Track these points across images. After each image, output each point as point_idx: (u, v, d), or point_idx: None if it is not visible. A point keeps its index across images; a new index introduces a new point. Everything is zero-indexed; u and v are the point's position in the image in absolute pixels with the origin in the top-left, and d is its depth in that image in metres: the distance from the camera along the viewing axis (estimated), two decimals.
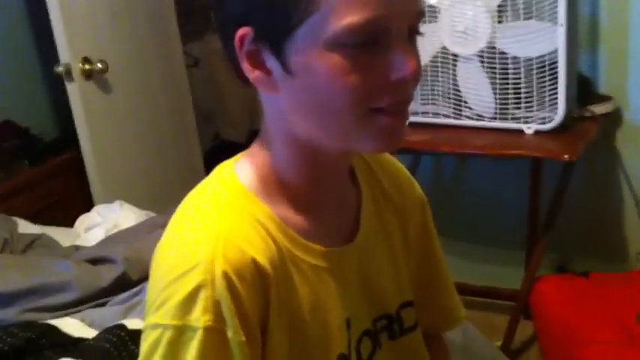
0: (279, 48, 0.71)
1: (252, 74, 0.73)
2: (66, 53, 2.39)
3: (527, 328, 2.26)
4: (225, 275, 0.70)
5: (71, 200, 2.73)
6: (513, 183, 2.49)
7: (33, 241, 1.96)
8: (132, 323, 1.43)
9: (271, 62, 0.73)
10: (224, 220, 0.75)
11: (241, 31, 0.71)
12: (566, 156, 2.04)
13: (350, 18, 0.68)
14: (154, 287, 0.74)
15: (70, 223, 2.23)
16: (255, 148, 0.82)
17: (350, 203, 0.87)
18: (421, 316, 0.94)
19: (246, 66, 0.73)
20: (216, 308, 0.70)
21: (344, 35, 0.69)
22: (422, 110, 2.27)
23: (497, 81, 2.13)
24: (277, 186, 0.80)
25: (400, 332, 0.90)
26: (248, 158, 0.81)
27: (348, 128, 0.74)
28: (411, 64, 0.71)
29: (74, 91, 2.44)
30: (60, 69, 2.40)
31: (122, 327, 1.41)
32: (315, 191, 0.82)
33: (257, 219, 0.76)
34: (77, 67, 2.42)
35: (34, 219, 2.31)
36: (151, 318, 0.72)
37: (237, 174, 0.80)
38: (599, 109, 2.22)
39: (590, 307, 2.11)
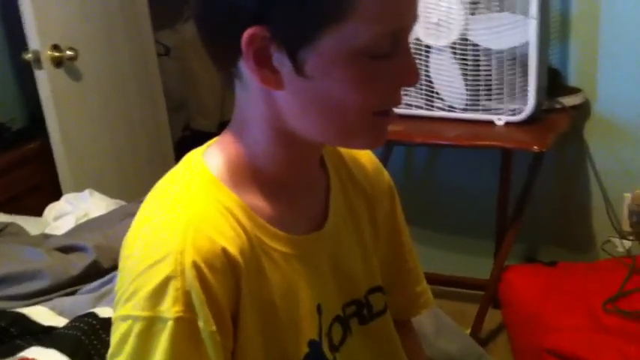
0: (296, 51, 0.71)
1: (257, 71, 0.72)
2: (35, 40, 2.35)
3: (496, 316, 2.29)
4: (195, 265, 0.70)
5: (39, 189, 2.70)
6: (483, 174, 2.51)
7: (1, 230, 1.94)
8: (103, 311, 1.42)
9: (281, 61, 0.72)
10: (193, 209, 0.74)
11: (253, 29, 0.70)
12: (535, 147, 2.07)
13: (379, 28, 0.70)
14: (123, 278, 0.73)
15: (38, 212, 2.20)
16: (227, 137, 0.81)
17: (319, 189, 0.88)
18: (390, 302, 0.95)
19: (250, 63, 0.72)
20: (186, 299, 0.70)
21: (372, 45, 0.70)
22: None
23: (469, 72, 2.15)
24: (249, 175, 0.79)
25: (370, 317, 0.91)
26: (219, 147, 0.81)
27: (350, 129, 0.76)
28: (416, 70, 0.75)
29: (43, 78, 2.40)
30: (29, 56, 2.36)
31: (93, 315, 1.40)
32: (287, 180, 0.82)
33: (226, 207, 0.76)
34: (46, 54, 2.38)
35: (4, 208, 2.28)
36: (121, 310, 0.72)
37: (207, 162, 0.79)
38: (568, 101, 2.25)
39: (558, 295, 2.15)
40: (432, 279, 2.65)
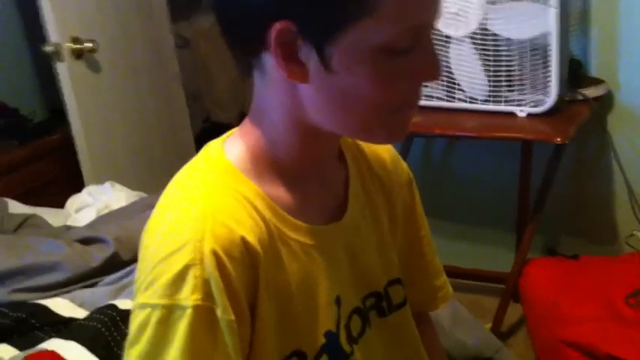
0: (322, 46, 0.71)
1: (285, 65, 0.72)
2: (55, 33, 2.36)
3: (517, 311, 2.28)
4: (214, 253, 0.70)
5: (61, 181, 2.72)
6: (504, 166, 2.49)
7: (24, 221, 1.95)
8: (123, 303, 1.42)
9: (307, 55, 0.72)
10: (212, 198, 0.74)
11: (282, 23, 0.70)
12: (558, 139, 2.04)
13: (401, 25, 0.70)
14: (142, 267, 0.74)
15: (60, 203, 2.22)
16: (246, 128, 0.81)
17: (338, 181, 0.88)
18: (409, 295, 0.95)
19: (278, 57, 0.72)
20: (205, 287, 0.70)
21: (393, 41, 0.70)
22: None
23: (490, 63, 2.13)
24: (268, 164, 0.80)
25: (389, 310, 0.91)
26: (238, 137, 0.81)
27: (370, 124, 0.76)
28: (438, 66, 0.75)
29: (63, 71, 2.41)
30: (49, 48, 2.38)
31: (113, 307, 1.41)
32: (306, 170, 0.82)
33: (245, 197, 0.76)
34: (66, 46, 2.39)
35: (25, 199, 2.30)
36: (140, 298, 0.72)
37: (226, 152, 0.80)
38: (590, 92, 2.22)
39: (578, 288, 2.13)
40: (451, 272, 2.63)
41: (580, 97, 2.21)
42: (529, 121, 2.14)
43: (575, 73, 2.23)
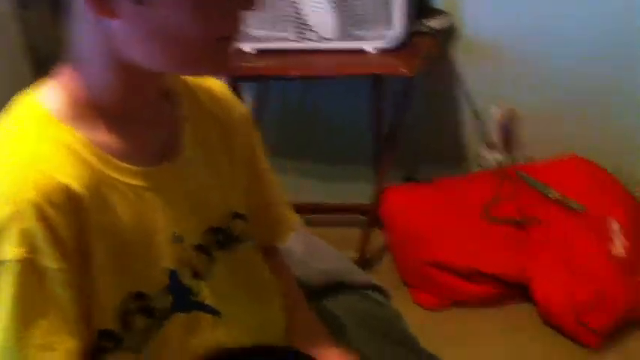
0: None
1: (92, 3, 0.71)
2: None
3: (381, 238, 2.37)
4: (35, 204, 0.69)
5: None
6: (358, 102, 2.55)
7: None
8: None
9: None
10: (29, 148, 0.73)
11: None
12: (404, 70, 2.12)
13: None
14: None
15: None
16: (64, 74, 0.80)
17: (167, 121, 0.87)
18: (254, 229, 0.97)
19: None
20: (27, 239, 0.69)
21: None
22: (265, 35, 2.27)
23: (336, 0, 2.16)
24: (91, 110, 0.78)
25: (232, 244, 0.92)
26: (56, 84, 0.79)
27: (194, 57, 0.76)
28: None
29: None
30: None
31: None
32: (132, 112, 0.81)
33: (66, 145, 0.75)
34: None
35: None
36: None
37: (43, 101, 0.78)
38: (434, 23, 2.30)
39: (436, 210, 2.25)
40: (317, 208, 2.69)
41: (425, 29, 2.28)
42: (379, 57, 2.20)
43: (419, 6, 2.29)
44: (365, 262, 2.28)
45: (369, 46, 2.21)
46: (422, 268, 2.14)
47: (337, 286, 1.26)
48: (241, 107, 0.99)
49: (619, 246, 2.07)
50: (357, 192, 2.50)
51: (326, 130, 2.64)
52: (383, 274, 2.23)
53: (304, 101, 2.64)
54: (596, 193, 2.22)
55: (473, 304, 2.09)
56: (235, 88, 2.33)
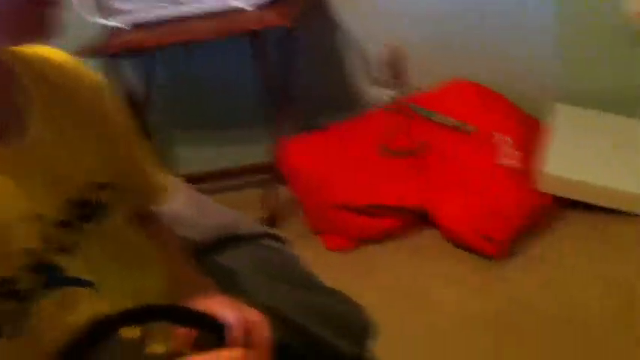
0: None
1: None
2: None
3: (288, 194, 2.39)
4: None
5: None
6: (245, 62, 2.55)
7: None
8: None
9: None
10: None
11: None
12: (283, 22, 2.13)
13: None
14: None
15: None
16: None
17: (9, 102, 0.86)
18: (126, 197, 0.97)
19: None
20: None
21: None
22: (140, 8, 2.24)
23: None
24: None
25: (100, 215, 0.91)
26: None
27: (5, 22, 0.73)
28: None
29: None
30: None
31: None
32: None
33: None
34: None
35: None
36: None
37: None
38: None
39: (335, 154, 2.29)
40: (219, 175, 2.68)
41: None
42: (258, 14, 2.21)
43: None
44: (274, 219, 2.30)
45: (244, 3, 2.21)
46: (327, 212, 2.18)
47: (232, 240, 1.27)
48: (90, 76, 0.97)
49: (511, 158, 2.15)
50: (257, 153, 2.51)
51: (215, 96, 2.62)
52: (293, 227, 2.26)
53: (189, 70, 2.61)
54: (484, 111, 2.30)
55: (380, 238, 2.15)
56: (115, 66, 2.30)
